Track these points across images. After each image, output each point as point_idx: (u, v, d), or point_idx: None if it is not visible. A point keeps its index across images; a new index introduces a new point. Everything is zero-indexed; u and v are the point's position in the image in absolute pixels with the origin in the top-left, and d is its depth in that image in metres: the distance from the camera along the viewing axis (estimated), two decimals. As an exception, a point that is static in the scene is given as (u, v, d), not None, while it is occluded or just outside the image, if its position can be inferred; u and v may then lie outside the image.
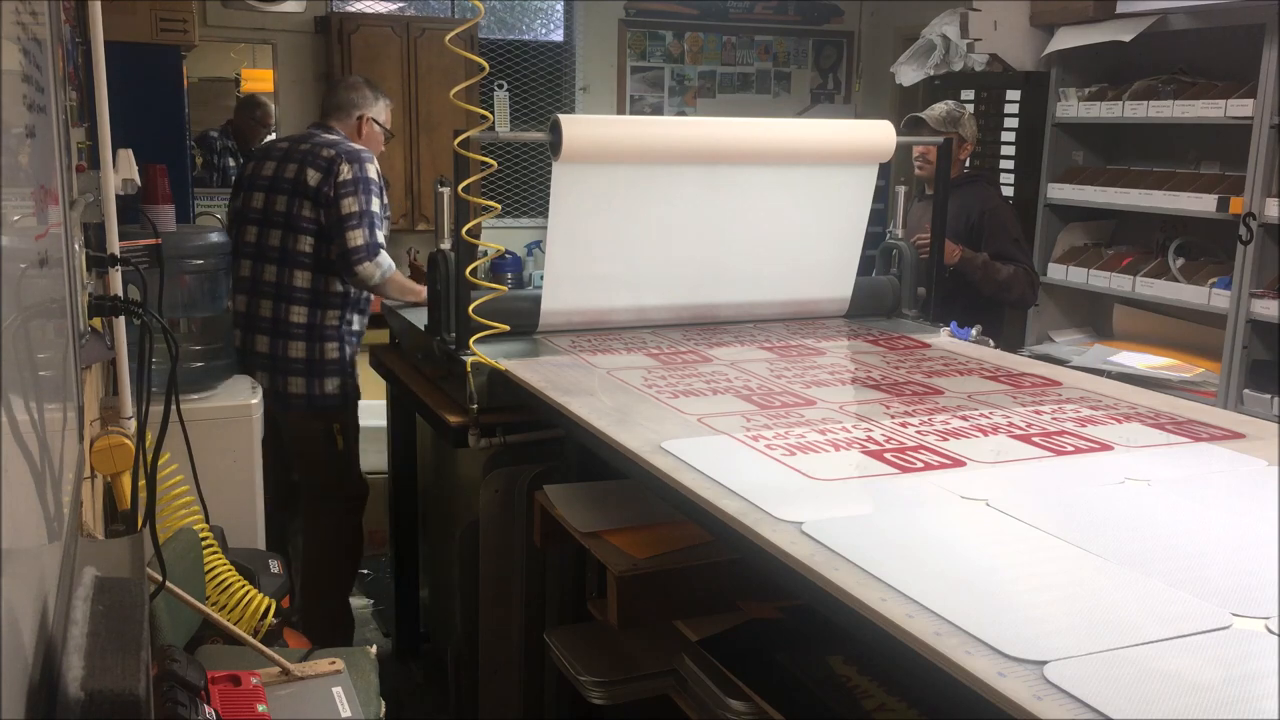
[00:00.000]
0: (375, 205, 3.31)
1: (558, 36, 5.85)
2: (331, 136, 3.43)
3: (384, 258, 3.29)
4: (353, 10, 5.24)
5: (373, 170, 3.34)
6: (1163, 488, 1.69)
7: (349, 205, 3.27)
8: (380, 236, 3.32)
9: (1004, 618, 1.20)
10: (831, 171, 2.98)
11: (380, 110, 3.54)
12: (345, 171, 3.29)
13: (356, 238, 3.27)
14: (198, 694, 1.65)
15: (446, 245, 2.73)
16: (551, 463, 2.40)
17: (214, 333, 3.59)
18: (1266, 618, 1.21)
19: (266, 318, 3.38)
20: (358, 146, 3.40)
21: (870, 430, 1.96)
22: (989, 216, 3.71)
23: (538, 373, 2.40)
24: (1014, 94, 4.56)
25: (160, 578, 1.92)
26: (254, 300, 3.40)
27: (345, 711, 2.04)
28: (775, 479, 1.67)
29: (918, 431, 1.95)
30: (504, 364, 2.46)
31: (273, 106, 5.48)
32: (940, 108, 3.79)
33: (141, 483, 2.02)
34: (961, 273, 3.57)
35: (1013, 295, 3.72)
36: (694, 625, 1.82)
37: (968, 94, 4.72)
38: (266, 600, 2.57)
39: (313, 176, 3.30)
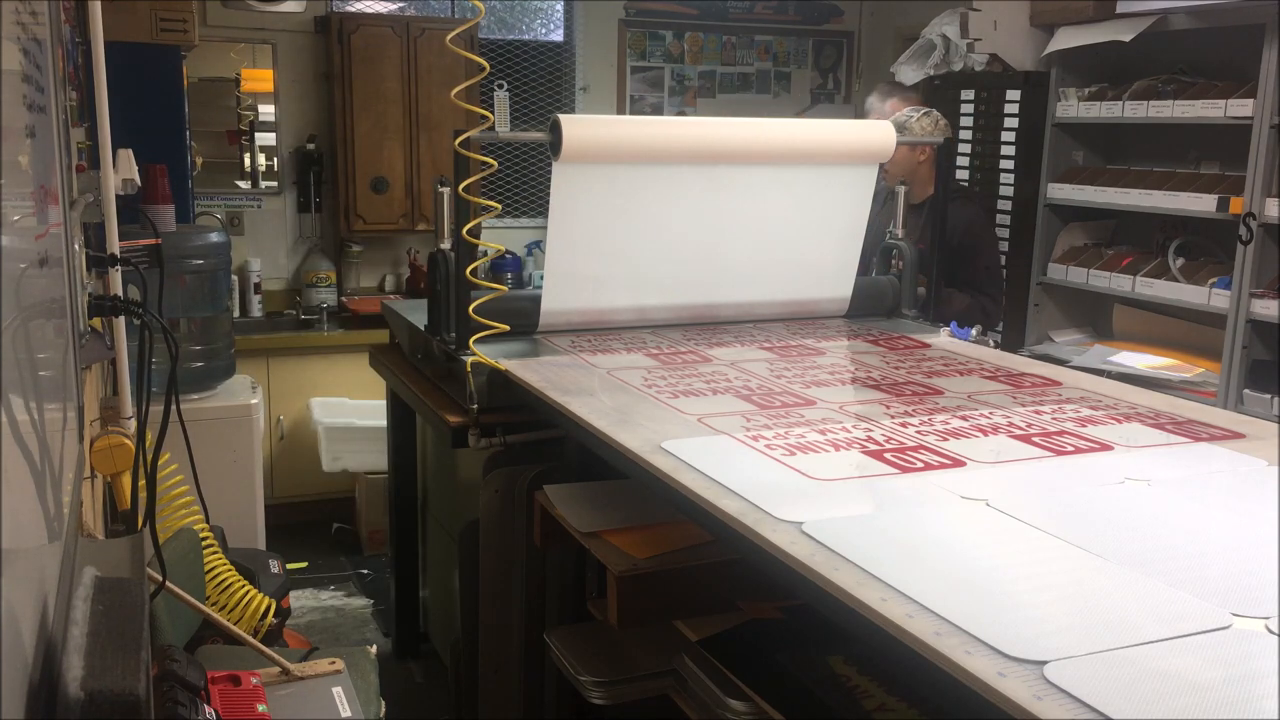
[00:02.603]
0: None
1: (558, 36, 5.84)
2: None
3: None
4: (353, 10, 5.23)
5: None
6: (1162, 488, 1.69)
7: None
8: None
9: (1004, 618, 1.20)
10: (831, 171, 2.98)
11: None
12: None
13: None
14: (198, 694, 1.65)
15: (446, 245, 2.73)
16: (551, 463, 2.40)
17: (214, 333, 3.60)
18: (1266, 618, 1.21)
19: None
20: None
21: (870, 430, 1.96)
22: (964, 240, 3.62)
23: (538, 373, 2.39)
24: (1014, 94, 4.55)
25: (160, 578, 1.92)
26: None
27: (345, 711, 2.04)
28: (775, 479, 1.67)
29: (918, 431, 1.95)
30: (504, 364, 2.46)
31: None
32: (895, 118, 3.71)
33: (141, 483, 2.02)
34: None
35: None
36: (694, 625, 1.82)
37: (968, 94, 4.71)
38: (266, 600, 2.58)
39: None
